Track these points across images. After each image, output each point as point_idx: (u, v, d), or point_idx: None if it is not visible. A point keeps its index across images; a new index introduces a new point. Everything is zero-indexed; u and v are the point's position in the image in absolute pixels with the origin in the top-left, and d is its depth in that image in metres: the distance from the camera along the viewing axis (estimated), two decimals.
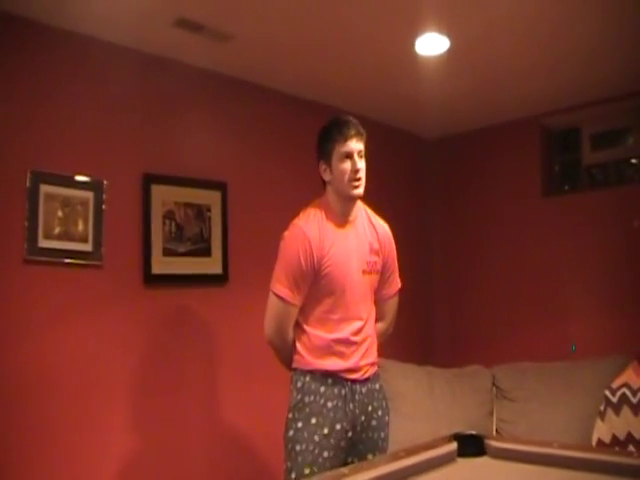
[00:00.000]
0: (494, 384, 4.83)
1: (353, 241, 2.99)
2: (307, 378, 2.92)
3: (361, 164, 2.92)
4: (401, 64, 4.29)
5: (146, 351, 3.84)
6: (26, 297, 3.38)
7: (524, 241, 5.41)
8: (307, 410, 2.87)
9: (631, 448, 3.70)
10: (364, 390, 2.97)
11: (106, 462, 3.59)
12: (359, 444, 2.94)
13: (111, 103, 3.80)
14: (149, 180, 3.93)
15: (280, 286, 2.92)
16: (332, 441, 2.84)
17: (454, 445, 2.38)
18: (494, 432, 4.59)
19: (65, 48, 3.62)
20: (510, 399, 4.69)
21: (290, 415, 2.92)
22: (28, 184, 3.39)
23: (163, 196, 3.99)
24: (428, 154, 6.12)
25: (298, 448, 2.83)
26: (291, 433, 2.88)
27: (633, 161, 4.99)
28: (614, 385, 3.96)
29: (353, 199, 2.98)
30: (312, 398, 2.88)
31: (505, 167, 5.58)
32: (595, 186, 5.20)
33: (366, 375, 2.99)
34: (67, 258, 3.53)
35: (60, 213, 3.51)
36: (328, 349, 2.92)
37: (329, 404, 2.87)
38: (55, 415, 3.42)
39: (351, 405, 2.90)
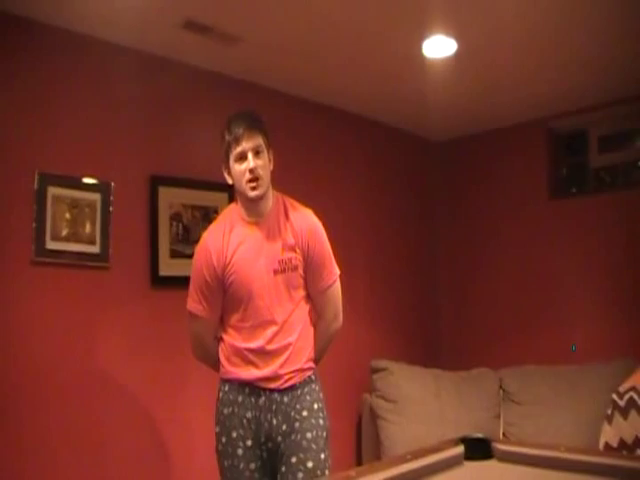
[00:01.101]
0: (501, 387, 4.82)
1: (261, 242, 2.81)
2: (226, 388, 2.85)
3: (258, 161, 2.75)
4: (408, 67, 4.30)
5: (153, 352, 3.85)
6: (33, 298, 3.39)
7: (531, 244, 5.40)
8: (227, 423, 2.79)
9: (639, 452, 3.69)
10: (286, 399, 2.78)
11: (111, 460, 3.60)
12: (283, 453, 2.76)
13: (118, 105, 3.81)
14: (156, 182, 3.94)
15: (190, 301, 2.88)
16: (257, 452, 2.75)
17: (461, 448, 2.37)
18: (501, 435, 4.58)
19: (72, 50, 3.64)
20: (517, 402, 4.68)
21: (216, 429, 2.86)
22: (36, 186, 3.41)
23: (170, 198, 4.00)
24: (435, 156, 6.12)
25: (225, 464, 2.78)
26: (219, 447, 2.82)
27: None
28: (621, 389, 3.93)
29: (254, 201, 2.79)
30: (230, 410, 2.80)
31: (512, 170, 5.58)
32: (603, 189, 5.19)
33: (288, 383, 2.79)
34: (74, 260, 3.55)
35: (68, 215, 3.53)
36: (243, 358, 2.80)
37: (248, 414, 2.76)
38: (62, 414, 3.44)
39: (269, 415, 2.76)
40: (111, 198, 3.70)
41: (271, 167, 2.86)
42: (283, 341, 2.80)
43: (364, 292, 4.99)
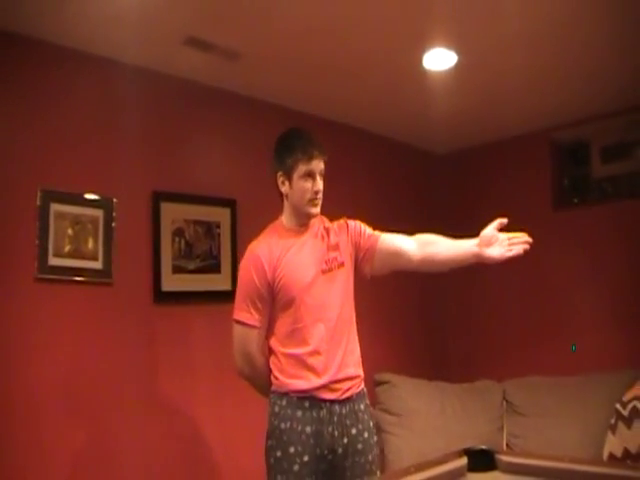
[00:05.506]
0: (505, 399, 4.81)
1: (308, 245, 2.96)
2: (283, 402, 2.81)
3: (322, 184, 2.92)
4: (409, 79, 4.31)
5: (156, 368, 3.85)
6: (37, 315, 3.39)
7: (535, 255, 5.33)
8: (284, 438, 2.76)
9: None
10: (344, 411, 2.82)
11: (116, 476, 3.60)
12: (346, 470, 2.80)
13: (120, 121, 3.82)
14: (158, 198, 3.95)
15: (238, 311, 2.90)
16: (314, 466, 2.75)
17: (464, 460, 2.37)
18: (505, 447, 4.57)
19: (74, 67, 3.66)
20: (521, 414, 4.67)
21: (269, 442, 2.83)
22: (38, 203, 3.42)
23: (172, 214, 4.01)
24: (437, 169, 6.13)
25: (279, 478, 2.75)
26: (272, 461, 2.79)
27: None
28: (625, 398, 3.93)
29: (310, 217, 2.97)
30: (288, 425, 2.77)
31: (515, 181, 5.58)
32: (606, 199, 5.18)
33: (346, 394, 2.84)
34: (77, 276, 3.55)
35: (70, 231, 3.53)
36: (300, 365, 2.82)
37: (307, 429, 2.75)
38: (65, 430, 3.44)
39: (330, 428, 2.77)
40: (113, 214, 3.70)
41: None
42: (337, 337, 2.88)
43: (368, 305, 4.98)
